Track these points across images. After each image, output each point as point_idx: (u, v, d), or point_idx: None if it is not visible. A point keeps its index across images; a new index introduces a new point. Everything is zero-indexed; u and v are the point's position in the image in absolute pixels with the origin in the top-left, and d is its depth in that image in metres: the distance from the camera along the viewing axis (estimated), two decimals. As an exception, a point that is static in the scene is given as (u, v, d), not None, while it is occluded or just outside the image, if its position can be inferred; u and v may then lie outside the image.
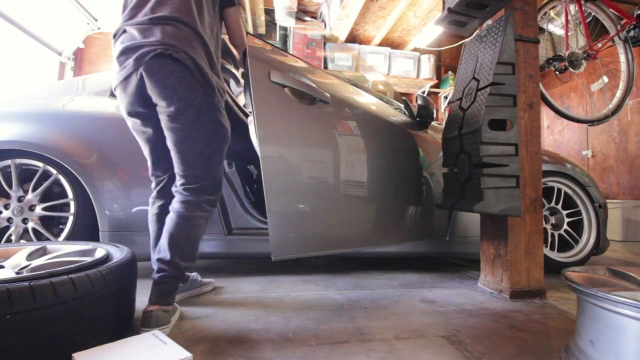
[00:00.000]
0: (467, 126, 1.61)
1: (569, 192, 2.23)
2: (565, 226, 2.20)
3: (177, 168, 1.28)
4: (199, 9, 1.29)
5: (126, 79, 1.23)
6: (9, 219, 1.70)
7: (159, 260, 1.21)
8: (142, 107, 1.28)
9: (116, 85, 1.29)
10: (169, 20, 1.24)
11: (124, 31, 1.28)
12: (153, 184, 1.43)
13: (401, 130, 1.87)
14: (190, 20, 1.26)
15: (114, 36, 1.31)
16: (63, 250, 1.28)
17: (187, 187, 1.26)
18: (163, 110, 1.23)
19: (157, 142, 1.34)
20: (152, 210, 1.41)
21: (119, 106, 1.88)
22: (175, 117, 1.22)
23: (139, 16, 1.27)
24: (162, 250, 1.22)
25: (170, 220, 1.26)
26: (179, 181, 1.28)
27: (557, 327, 1.25)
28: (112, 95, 1.93)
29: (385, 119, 1.78)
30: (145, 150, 1.39)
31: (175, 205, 1.27)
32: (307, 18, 4.76)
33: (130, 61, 1.21)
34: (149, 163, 1.40)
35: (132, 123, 1.35)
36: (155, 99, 1.22)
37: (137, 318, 1.23)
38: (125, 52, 1.23)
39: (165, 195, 1.39)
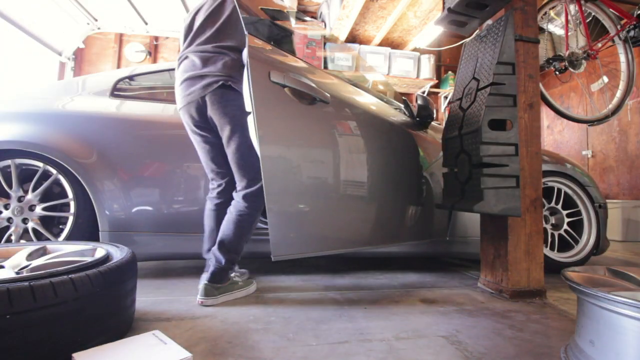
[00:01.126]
0: (467, 126, 1.61)
1: (569, 192, 2.23)
2: (565, 226, 2.20)
3: (236, 177, 1.49)
4: None
5: (190, 103, 1.45)
6: (9, 219, 1.70)
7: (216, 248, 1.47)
8: (204, 126, 1.49)
9: (181, 107, 1.51)
10: (230, 50, 1.44)
11: (186, 57, 1.49)
12: (212, 186, 1.62)
13: (401, 130, 1.87)
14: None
15: (179, 60, 1.54)
16: (63, 250, 1.28)
17: (244, 194, 1.46)
18: (223, 132, 1.44)
19: (215, 156, 1.55)
20: (209, 206, 1.61)
21: (119, 106, 1.90)
22: (233, 138, 1.43)
23: (200, 43, 1.48)
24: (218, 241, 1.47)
25: (225, 219, 1.49)
26: (238, 187, 1.49)
27: (557, 327, 1.25)
28: (112, 95, 1.93)
29: (385, 119, 1.78)
30: (206, 161, 1.58)
31: (230, 207, 1.49)
32: (307, 18, 4.76)
33: (196, 89, 1.43)
34: (208, 171, 1.61)
35: (194, 138, 1.56)
36: (216, 121, 1.44)
37: (138, 318, 1.23)
38: (190, 79, 1.45)
39: (222, 196, 1.59)
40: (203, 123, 1.48)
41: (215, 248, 1.47)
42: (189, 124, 1.51)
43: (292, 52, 1.52)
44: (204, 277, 1.45)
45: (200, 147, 1.56)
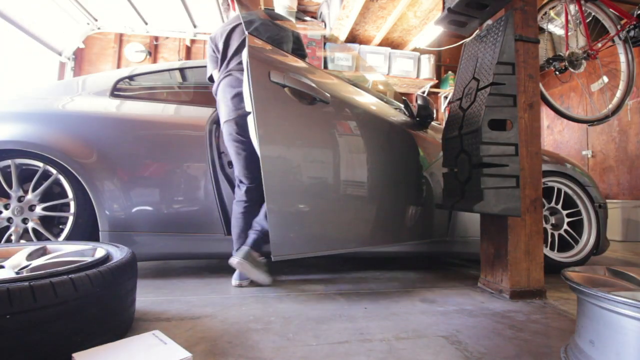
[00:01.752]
0: (467, 126, 1.61)
1: (569, 192, 2.23)
2: (565, 226, 2.20)
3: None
4: None
5: (240, 116, 1.64)
6: (9, 219, 1.70)
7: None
8: (247, 135, 1.64)
9: (228, 120, 1.68)
10: None
11: (230, 74, 1.71)
12: (240, 190, 1.74)
13: (401, 130, 1.87)
14: None
15: (222, 76, 1.74)
16: (63, 250, 1.27)
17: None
18: None
19: (249, 162, 1.69)
20: (238, 209, 1.72)
21: (119, 106, 1.90)
22: None
23: (239, 62, 1.69)
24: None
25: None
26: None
27: (557, 327, 1.25)
28: (112, 95, 1.93)
29: (385, 119, 1.78)
30: (240, 167, 1.71)
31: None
32: (307, 18, 4.77)
33: (244, 104, 1.60)
34: (240, 175, 1.72)
35: (234, 146, 1.70)
36: None
37: (138, 318, 1.23)
38: (239, 95, 1.65)
39: (250, 198, 1.71)
40: (246, 132, 1.63)
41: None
42: (232, 133, 1.68)
43: (303, 56, 1.57)
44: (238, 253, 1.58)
45: (238, 154, 1.70)
